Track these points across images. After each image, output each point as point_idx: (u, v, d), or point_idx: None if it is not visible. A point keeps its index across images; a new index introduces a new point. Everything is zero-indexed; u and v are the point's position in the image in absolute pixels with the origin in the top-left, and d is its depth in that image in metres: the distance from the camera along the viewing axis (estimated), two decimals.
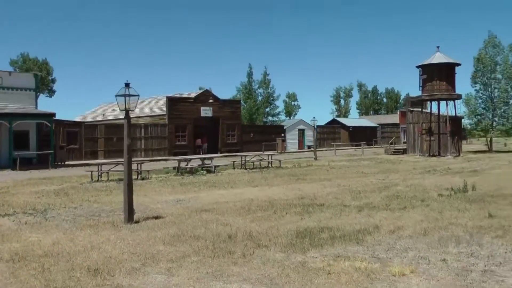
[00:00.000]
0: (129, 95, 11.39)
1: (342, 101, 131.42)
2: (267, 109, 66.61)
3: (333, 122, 77.37)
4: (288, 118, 70.84)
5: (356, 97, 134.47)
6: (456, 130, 42.14)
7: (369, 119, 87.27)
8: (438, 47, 41.00)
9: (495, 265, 7.53)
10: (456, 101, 42.20)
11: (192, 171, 25.86)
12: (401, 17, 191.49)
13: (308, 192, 16.88)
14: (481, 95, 48.51)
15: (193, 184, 20.53)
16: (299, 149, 63.19)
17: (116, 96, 11.46)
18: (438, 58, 40.09)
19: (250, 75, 66.37)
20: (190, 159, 27.46)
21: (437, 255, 8.10)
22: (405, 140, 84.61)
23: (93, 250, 8.69)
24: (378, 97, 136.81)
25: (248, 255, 8.20)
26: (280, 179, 22.17)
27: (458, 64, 41.13)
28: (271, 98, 67.14)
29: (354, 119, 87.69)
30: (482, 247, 8.62)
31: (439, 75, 40.02)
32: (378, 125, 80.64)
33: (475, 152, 47.72)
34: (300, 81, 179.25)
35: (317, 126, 69.52)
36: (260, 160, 31.38)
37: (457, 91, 41.55)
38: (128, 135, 11.54)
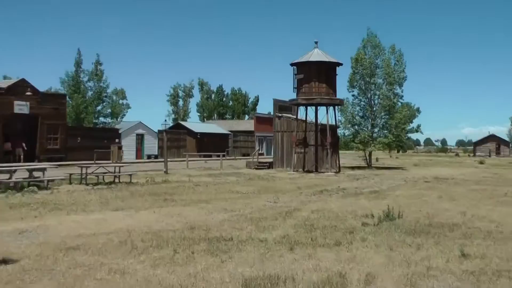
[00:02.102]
0: None
1: (181, 102, 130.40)
2: (99, 108, 63.39)
3: (178, 126, 76.00)
4: (115, 119, 67.55)
5: (197, 97, 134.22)
6: (335, 142, 42.52)
7: (218, 125, 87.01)
8: (316, 42, 41.30)
9: None
10: (336, 107, 42.63)
11: (18, 187, 23.01)
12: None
13: (193, 220, 15.29)
14: (359, 101, 49.79)
15: (27, 206, 17.94)
16: (137, 159, 60.89)
17: None
18: (317, 55, 40.20)
19: (78, 63, 62.71)
20: (15, 170, 24.43)
21: None
22: (261, 151, 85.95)
23: None
24: (224, 99, 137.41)
25: None
26: (142, 200, 20.41)
27: (339, 64, 41.57)
28: (104, 94, 63.88)
29: (202, 124, 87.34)
30: None
31: (318, 76, 40.08)
32: (230, 132, 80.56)
33: (353, 168, 48.71)
34: (134, 77, 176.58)
35: (159, 131, 67.93)
36: (104, 173, 29.10)
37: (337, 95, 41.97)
38: None
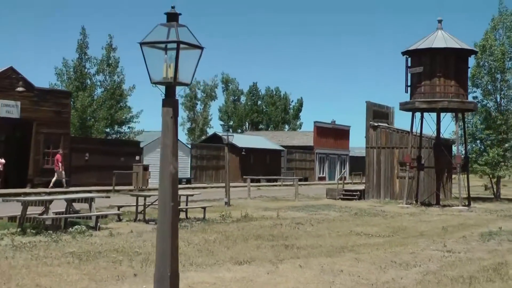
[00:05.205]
0: (182, 44, 8.15)
1: (199, 106, 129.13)
2: (112, 112, 61.73)
3: (214, 139, 75.31)
4: (127, 128, 65.80)
5: (221, 99, 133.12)
6: (465, 163, 41.52)
7: (266, 137, 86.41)
8: (440, 21, 40.05)
9: None
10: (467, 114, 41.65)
11: (56, 226, 21.64)
12: None
13: (373, 280, 15.06)
14: (482, 106, 48.55)
15: (103, 256, 16.79)
16: None
17: (142, 44, 8.24)
18: (442, 39, 38.77)
19: (83, 47, 61.27)
20: (51, 201, 22.94)
21: None
22: (321, 175, 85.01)
23: None
24: (259, 102, 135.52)
25: None
26: (252, 247, 19.95)
27: (473, 52, 40.84)
28: (119, 92, 62.40)
29: (246, 137, 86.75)
30: None
31: (444, 70, 38.81)
32: (283, 148, 79.78)
33: (473, 199, 47.31)
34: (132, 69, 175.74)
35: (193, 145, 67.07)
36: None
37: None
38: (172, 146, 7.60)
